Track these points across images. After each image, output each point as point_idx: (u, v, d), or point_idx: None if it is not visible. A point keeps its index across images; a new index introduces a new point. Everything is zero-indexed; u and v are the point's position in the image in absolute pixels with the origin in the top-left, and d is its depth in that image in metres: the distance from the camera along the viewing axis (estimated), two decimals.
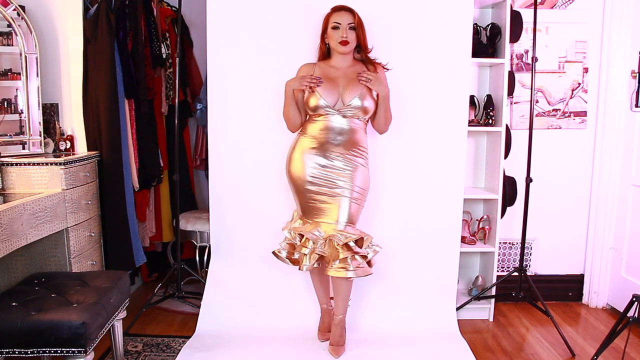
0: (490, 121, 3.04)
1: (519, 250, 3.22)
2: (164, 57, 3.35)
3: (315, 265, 2.53)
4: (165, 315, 3.12)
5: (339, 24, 2.45)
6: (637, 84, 2.49)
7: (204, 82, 3.71)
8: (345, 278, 2.46)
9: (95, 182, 2.79)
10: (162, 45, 3.33)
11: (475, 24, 3.01)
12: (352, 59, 2.57)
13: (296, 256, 2.57)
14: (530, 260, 3.41)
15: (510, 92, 3.07)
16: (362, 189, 2.53)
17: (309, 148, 2.51)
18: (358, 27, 2.47)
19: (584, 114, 3.30)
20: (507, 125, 3.04)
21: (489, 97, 3.10)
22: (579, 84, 3.27)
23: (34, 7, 2.78)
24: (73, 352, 1.80)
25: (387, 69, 2.59)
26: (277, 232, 2.74)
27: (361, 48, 2.54)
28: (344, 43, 2.45)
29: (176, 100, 2.98)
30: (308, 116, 2.59)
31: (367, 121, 2.60)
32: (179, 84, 3.00)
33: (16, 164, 2.47)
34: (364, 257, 2.48)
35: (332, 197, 2.49)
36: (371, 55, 2.58)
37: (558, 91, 3.27)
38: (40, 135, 2.77)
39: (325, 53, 2.59)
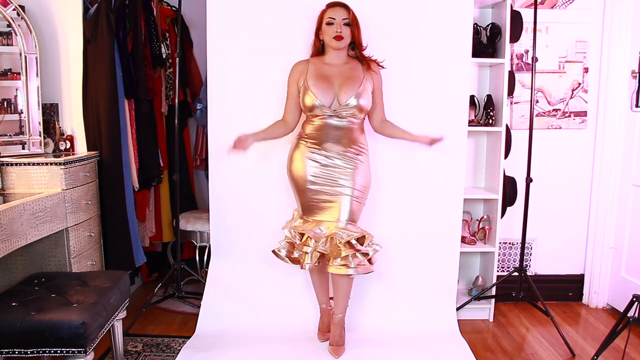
0: (491, 121, 3.04)
1: (519, 250, 3.22)
2: (164, 57, 3.35)
3: (316, 264, 2.53)
4: (165, 315, 3.12)
5: (334, 19, 2.44)
6: (637, 84, 2.49)
7: (204, 82, 3.71)
8: (347, 275, 2.46)
9: (95, 182, 2.79)
10: (162, 45, 3.33)
11: (475, 24, 3.01)
12: (346, 55, 2.56)
13: (295, 255, 2.56)
14: (530, 260, 3.41)
15: (511, 92, 3.07)
16: (363, 187, 2.53)
17: (309, 148, 2.51)
18: (353, 23, 2.47)
19: (584, 114, 3.30)
20: (507, 125, 3.04)
21: (489, 97, 3.10)
22: (579, 84, 3.27)
23: (34, 7, 2.77)
24: (73, 352, 1.80)
25: (383, 67, 2.58)
26: (277, 231, 2.74)
27: (355, 45, 2.54)
28: (339, 38, 2.45)
29: (176, 100, 2.98)
30: (306, 116, 2.59)
31: (364, 118, 2.59)
32: (179, 84, 3.00)
33: (16, 164, 2.47)
34: (365, 254, 2.48)
35: (333, 195, 2.49)
36: (367, 52, 2.57)
37: (558, 91, 3.27)
38: (40, 135, 2.76)
39: (320, 49, 2.58)
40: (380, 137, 2.74)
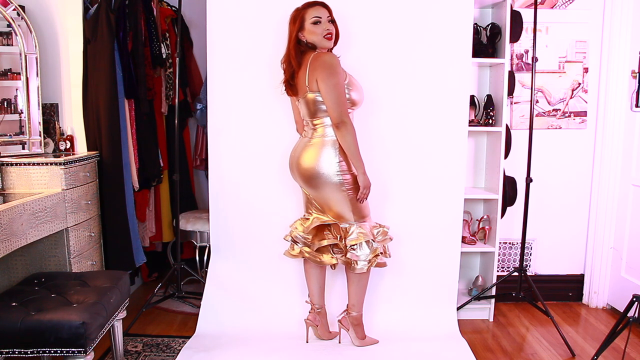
0: (491, 121, 3.04)
1: (519, 250, 3.23)
2: (164, 57, 3.35)
3: (335, 262, 2.59)
4: (165, 315, 3.12)
5: (320, 18, 2.41)
6: (637, 84, 2.49)
7: (204, 82, 3.71)
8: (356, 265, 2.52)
9: (95, 182, 2.79)
10: (162, 45, 3.33)
11: (475, 24, 3.01)
12: None
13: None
14: (530, 260, 3.41)
15: (511, 92, 3.07)
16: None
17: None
18: (333, 20, 2.46)
19: (584, 114, 3.30)
20: (507, 125, 3.04)
21: (489, 97, 3.10)
22: (579, 84, 3.27)
23: (34, 7, 2.78)
24: (73, 352, 1.80)
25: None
26: (276, 231, 2.74)
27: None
28: (330, 37, 2.43)
29: (176, 100, 2.98)
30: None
31: None
32: (179, 84, 3.00)
33: (16, 164, 2.47)
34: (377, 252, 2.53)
35: None
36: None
37: (558, 91, 3.27)
38: (40, 135, 2.76)
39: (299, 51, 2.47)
40: (378, 137, 2.74)
